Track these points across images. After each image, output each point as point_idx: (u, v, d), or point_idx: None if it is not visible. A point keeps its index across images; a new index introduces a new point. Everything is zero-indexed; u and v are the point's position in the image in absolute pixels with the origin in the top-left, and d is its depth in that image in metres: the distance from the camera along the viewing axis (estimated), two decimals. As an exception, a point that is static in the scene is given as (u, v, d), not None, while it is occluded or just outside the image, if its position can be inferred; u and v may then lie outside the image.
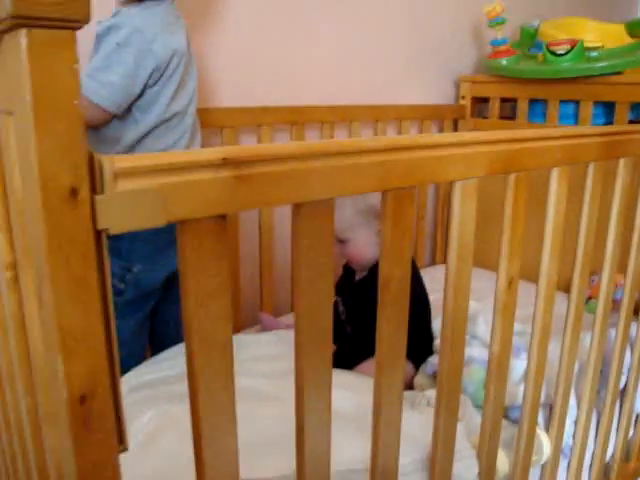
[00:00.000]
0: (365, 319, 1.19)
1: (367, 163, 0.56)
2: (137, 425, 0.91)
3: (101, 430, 0.45)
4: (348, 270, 1.41)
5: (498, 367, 0.88)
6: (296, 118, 1.63)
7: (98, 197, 0.41)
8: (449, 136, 0.65)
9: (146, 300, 1.27)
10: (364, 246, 1.30)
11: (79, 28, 0.38)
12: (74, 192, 0.39)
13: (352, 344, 1.31)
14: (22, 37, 0.36)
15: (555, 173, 0.84)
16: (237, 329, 1.62)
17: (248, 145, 0.48)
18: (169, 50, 1.11)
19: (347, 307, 1.37)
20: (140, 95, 1.10)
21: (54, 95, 0.37)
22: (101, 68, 1.04)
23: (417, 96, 2.03)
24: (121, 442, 0.48)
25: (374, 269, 1.33)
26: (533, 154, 0.76)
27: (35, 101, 0.37)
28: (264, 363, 1.23)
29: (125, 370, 1.15)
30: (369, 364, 1.28)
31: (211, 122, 1.48)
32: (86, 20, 0.37)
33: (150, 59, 1.08)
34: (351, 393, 0.99)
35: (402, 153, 0.59)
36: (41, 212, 0.39)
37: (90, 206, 0.41)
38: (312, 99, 1.71)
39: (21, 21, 0.35)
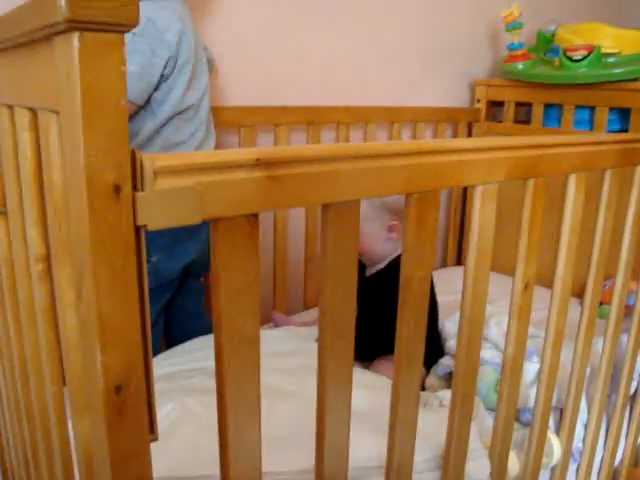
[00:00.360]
0: (373, 315, 1.21)
1: (392, 166, 0.57)
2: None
3: (134, 419, 0.47)
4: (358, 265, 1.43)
5: (512, 369, 0.89)
6: (312, 118, 1.64)
7: (139, 194, 0.43)
8: (471, 141, 0.66)
9: (163, 291, 1.28)
10: (372, 239, 1.31)
11: (127, 31, 0.39)
12: (117, 189, 0.41)
13: (359, 339, 1.32)
14: (75, 40, 0.38)
15: (572, 179, 0.85)
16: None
17: (280, 147, 0.50)
18: (182, 40, 1.13)
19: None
20: (157, 86, 1.13)
21: (102, 96, 0.39)
22: None
23: (432, 99, 2.04)
24: (152, 432, 0.50)
25: (389, 267, 1.33)
26: (552, 160, 0.77)
27: (84, 101, 0.39)
28: (277, 358, 1.24)
29: None
30: (384, 363, 1.29)
31: (229, 121, 1.50)
32: (135, 24, 0.39)
33: (164, 48, 1.10)
34: (367, 392, 1.00)
35: (426, 157, 0.61)
36: (85, 207, 0.40)
37: (132, 202, 0.42)
38: (328, 100, 1.73)
39: (75, 25, 0.37)
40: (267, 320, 1.71)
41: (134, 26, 0.39)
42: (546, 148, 0.76)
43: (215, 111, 1.44)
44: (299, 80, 1.69)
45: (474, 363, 0.81)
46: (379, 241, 1.32)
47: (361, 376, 1.15)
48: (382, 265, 1.35)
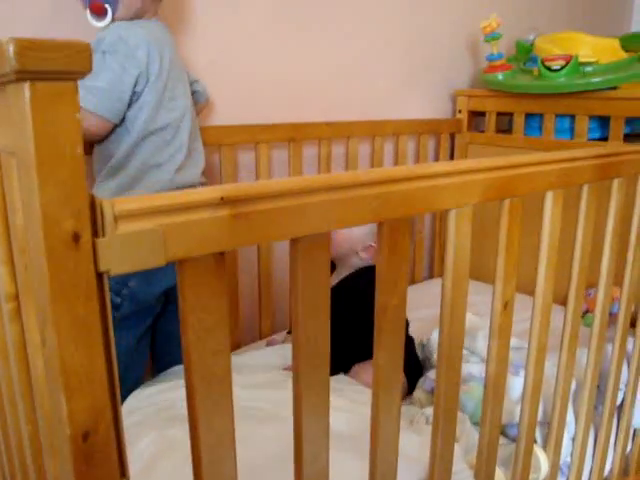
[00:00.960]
0: (342, 326, 1.20)
1: (362, 196, 0.57)
2: (136, 450, 0.91)
3: (103, 465, 0.46)
4: None
5: (494, 388, 0.89)
6: (294, 135, 1.64)
7: (99, 240, 0.42)
8: (443, 165, 0.66)
9: (143, 315, 1.27)
10: (348, 244, 1.33)
11: (81, 78, 0.39)
12: (76, 237, 0.41)
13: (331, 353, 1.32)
14: (25, 90, 0.37)
15: (549, 196, 0.85)
16: (237, 345, 1.63)
17: (245, 183, 0.49)
18: (153, 57, 1.13)
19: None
20: (130, 103, 1.13)
21: (56, 145, 0.39)
22: (88, 76, 1.06)
23: (414, 110, 2.05)
24: (123, 475, 0.49)
25: (353, 275, 1.34)
26: (527, 179, 0.77)
27: (38, 150, 0.38)
28: (262, 375, 1.24)
29: (122, 383, 1.16)
30: (360, 370, 1.29)
31: (209, 140, 1.49)
32: (88, 71, 0.39)
33: (134, 64, 1.10)
34: (346, 413, 0.99)
35: (397, 185, 0.60)
36: (44, 256, 0.40)
37: (92, 249, 0.42)
38: (310, 115, 1.73)
39: (25, 75, 0.37)
40: (253, 338, 1.70)
41: (87, 73, 0.38)
42: (520, 168, 0.76)
43: (196, 131, 1.43)
44: (280, 97, 1.69)
45: (455, 385, 0.80)
46: (351, 250, 1.35)
47: (339, 392, 1.14)
48: (346, 273, 1.36)
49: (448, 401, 0.80)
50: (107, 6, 1.13)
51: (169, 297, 1.30)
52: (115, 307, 1.19)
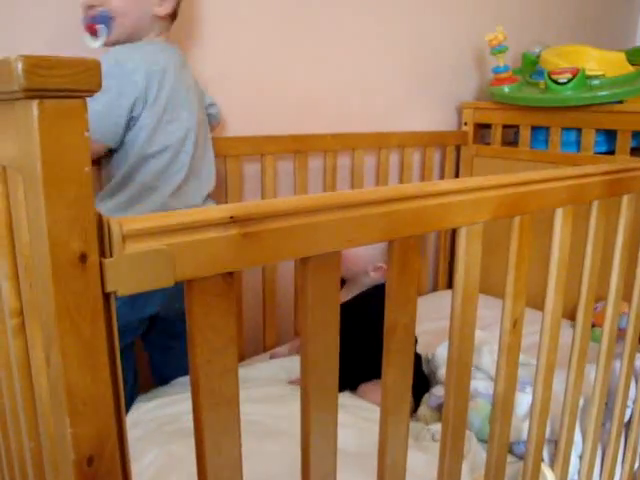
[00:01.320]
0: (351, 344, 1.19)
1: (372, 214, 0.56)
2: (140, 467, 0.90)
3: (107, 490, 0.45)
4: None
5: (503, 406, 0.87)
6: (299, 147, 1.64)
7: (107, 260, 0.41)
8: (454, 183, 0.65)
9: (122, 335, 1.24)
10: (358, 263, 1.32)
11: (90, 96, 0.38)
12: (83, 257, 0.40)
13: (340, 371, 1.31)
14: (34, 107, 0.36)
15: (559, 213, 0.84)
16: (240, 357, 1.62)
17: (254, 202, 0.48)
18: (151, 82, 1.11)
19: None
20: (128, 126, 1.11)
21: (64, 163, 0.38)
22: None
23: (420, 123, 2.04)
24: (127, 500, 0.48)
25: (364, 294, 1.32)
26: (538, 196, 0.76)
27: (45, 169, 0.37)
28: (268, 388, 1.23)
29: None
30: (367, 389, 1.27)
31: (215, 151, 1.49)
32: (97, 88, 0.38)
33: (131, 89, 1.09)
34: (351, 429, 0.98)
35: (407, 203, 0.59)
36: (50, 276, 0.39)
37: (99, 270, 0.41)
38: (315, 127, 1.72)
39: (33, 93, 0.36)
40: (257, 350, 1.69)
41: (97, 90, 0.38)
42: (531, 184, 0.75)
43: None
44: (285, 109, 1.68)
45: (464, 402, 0.79)
46: (361, 270, 1.33)
47: (343, 408, 1.13)
48: (356, 291, 1.35)
49: (456, 419, 0.78)
50: (99, 27, 1.12)
51: (155, 321, 1.28)
52: None
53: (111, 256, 0.41)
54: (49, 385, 0.46)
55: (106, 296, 0.42)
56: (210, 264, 0.46)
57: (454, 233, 2.11)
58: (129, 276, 0.42)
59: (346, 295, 1.35)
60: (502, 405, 0.87)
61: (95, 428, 0.43)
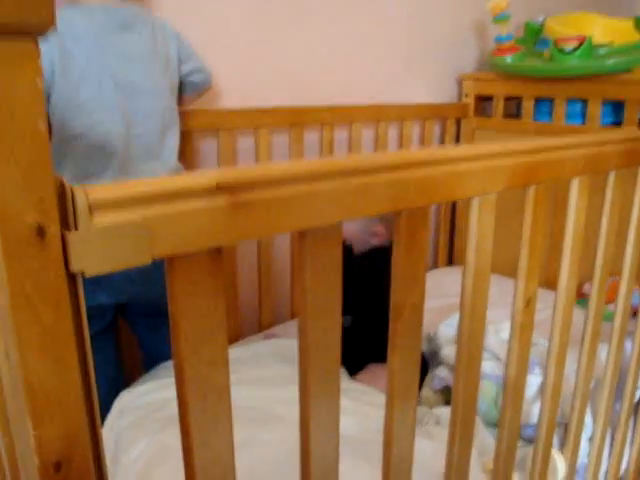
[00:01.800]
0: (357, 312, 1.13)
1: (377, 182, 0.50)
2: (129, 457, 0.85)
3: (80, 497, 0.40)
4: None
5: (514, 391, 0.82)
6: (295, 119, 1.57)
7: (71, 235, 0.35)
8: (466, 148, 0.59)
9: (94, 318, 1.18)
10: (353, 238, 1.25)
11: (42, 35, 0.31)
12: (41, 231, 0.34)
13: (351, 338, 1.24)
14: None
15: (575, 184, 0.78)
16: (236, 337, 1.56)
17: (244, 167, 0.42)
18: (59, 53, 1.00)
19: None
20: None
21: (13, 118, 0.31)
22: None
23: (419, 95, 1.97)
24: (104, 506, 0.43)
25: (368, 256, 1.26)
26: (555, 164, 0.70)
27: (-8, 126, 0.31)
28: (263, 377, 1.17)
29: None
30: (373, 374, 1.21)
31: (207, 124, 1.43)
32: (49, 24, 0.31)
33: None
34: (352, 416, 0.93)
35: (415, 170, 0.53)
36: (2, 256, 0.33)
37: (61, 246, 0.35)
38: (311, 99, 1.65)
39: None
40: (252, 330, 1.63)
41: (50, 26, 0.31)
42: (548, 152, 0.69)
43: (191, 115, 1.36)
44: (280, 80, 1.61)
45: (474, 387, 0.74)
46: (359, 241, 1.26)
47: (342, 392, 1.07)
48: (358, 253, 1.28)
49: (466, 405, 0.73)
50: None
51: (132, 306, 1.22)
52: None
53: (76, 229, 0.35)
54: (10, 381, 0.40)
55: (71, 277, 0.36)
56: (194, 239, 0.40)
57: (454, 206, 2.04)
58: (98, 253, 0.36)
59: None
60: (513, 389, 0.82)
61: (63, 430, 0.37)
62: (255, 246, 1.58)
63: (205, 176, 0.40)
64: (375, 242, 1.27)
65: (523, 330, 0.77)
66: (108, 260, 0.37)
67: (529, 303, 0.76)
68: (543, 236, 0.73)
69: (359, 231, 1.26)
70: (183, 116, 1.29)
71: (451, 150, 0.57)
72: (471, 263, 0.64)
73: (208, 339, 0.43)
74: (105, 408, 1.05)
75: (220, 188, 0.40)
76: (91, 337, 0.38)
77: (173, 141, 1.20)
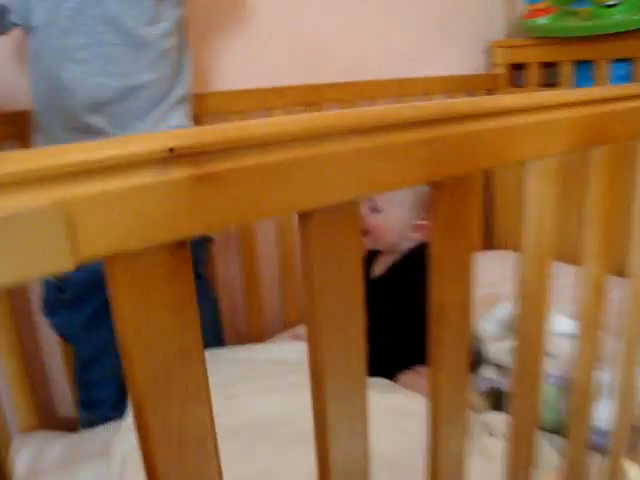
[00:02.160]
0: (387, 323, 0.98)
1: (406, 142, 0.37)
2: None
3: None
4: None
5: (583, 394, 0.68)
6: (312, 98, 1.44)
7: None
8: (519, 97, 0.45)
9: (89, 296, 1.07)
10: (392, 228, 1.06)
11: None
12: None
13: (374, 348, 1.10)
14: None
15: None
16: (259, 336, 1.44)
17: (213, 126, 0.29)
18: None
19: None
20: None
21: None
22: None
23: (445, 67, 1.82)
24: None
25: (404, 261, 1.10)
26: (626, 119, 0.56)
27: None
28: (295, 383, 1.04)
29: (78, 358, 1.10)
30: (408, 378, 1.08)
31: (216, 107, 1.31)
32: None
33: None
34: (387, 431, 0.80)
35: (456, 125, 0.40)
36: None
37: None
38: (329, 76, 1.52)
39: None
40: (276, 326, 1.51)
41: None
42: (617, 102, 0.55)
43: (198, 99, 1.24)
44: (294, 56, 1.48)
45: (536, 394, 0.60)
46: (398, 234, 1.07)
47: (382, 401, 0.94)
48: (393, 259, 1.11)
49: (529, 417, 0.60)
50: None
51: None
52: (59, 290, 1.04)
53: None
54: None
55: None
56: (142, 230, 0.27)
57: (488, 178, 1.86)
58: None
59: (383, 266, 1.12)
60: (582, 393, 0.68)
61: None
62: (275, 232, 1.45)
63: (154, 139, 0.28)
64: (415, 238, 1.08)
65: (592, 324, 0.63)
66: (7, 267, 0.25)
67: (599, 292, 0.62)
68: (615, 209, 0.59)
69: (401, 220, 1.06)
70: (189, 100, 1.16)
71: (501, 99, 0.43)
72: (530, 246, 0.51)
73: (177, 369, 0.31)
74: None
75: (177, 155, 0.28)
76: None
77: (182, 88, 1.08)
